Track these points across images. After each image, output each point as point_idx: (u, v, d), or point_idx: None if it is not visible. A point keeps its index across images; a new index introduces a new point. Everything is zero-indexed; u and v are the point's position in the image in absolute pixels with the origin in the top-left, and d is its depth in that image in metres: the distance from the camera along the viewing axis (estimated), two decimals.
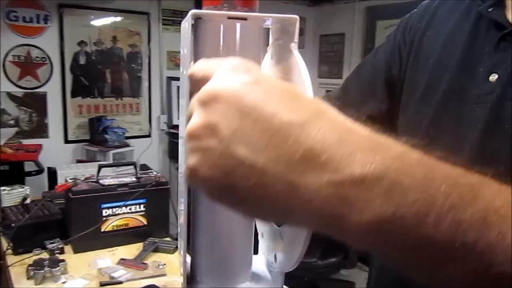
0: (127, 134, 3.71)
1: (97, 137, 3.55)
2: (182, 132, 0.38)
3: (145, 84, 3.95)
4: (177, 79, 2.89)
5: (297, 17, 0.37)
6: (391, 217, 0.25)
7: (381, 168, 0.26)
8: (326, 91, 4.81)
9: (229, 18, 0.37)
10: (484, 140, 0.52)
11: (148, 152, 3.89)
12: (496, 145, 0.51)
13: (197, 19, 0.38)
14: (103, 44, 3.71)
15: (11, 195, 2.03)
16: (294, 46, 0.38)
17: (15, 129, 3.37)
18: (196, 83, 0.32)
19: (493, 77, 0.53)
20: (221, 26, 0.38)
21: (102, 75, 3.75)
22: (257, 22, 0.38)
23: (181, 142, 0.40)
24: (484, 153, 0.52)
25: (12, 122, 3.40)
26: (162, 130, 4.05)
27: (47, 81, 3.49)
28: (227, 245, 0.40)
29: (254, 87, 0.28)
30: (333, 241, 0.30)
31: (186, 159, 0.30)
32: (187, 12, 0.37)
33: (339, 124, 0.28)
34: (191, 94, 0.32)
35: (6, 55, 3.31)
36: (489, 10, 0.58)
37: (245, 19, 0.37)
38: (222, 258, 0.41)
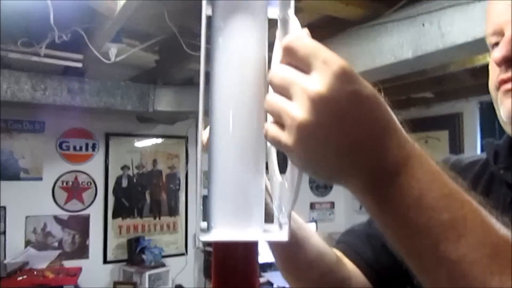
0: (163, 253, 3.75)
1: (135, 257, 3.61)
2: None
3: (182, 203, 4.08)
4: None
5: None
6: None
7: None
8: None
9: None
10: None
11: (183, 272, 3.88)
12: None
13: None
14: (144, 167, 3.95)
15: None
16: (290, 12, 0.40)
17: (58, 252, 3.48)
18: (292, 58, 0.35)
19: None
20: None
21: (142, 196, 3.93)
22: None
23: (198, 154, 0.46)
24: None
25: (55, 244, 3.53)
26: (198, 248, 4.07)
27: (91, 203, 3.68)
28: (238, 193, 0.42)
29: (357, 105, 0.34)
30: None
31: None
32: None
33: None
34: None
35: (56, 181, 3.56)
36: (501, 172, 0.64)
37: None
38: (233, 206, 0.42)
